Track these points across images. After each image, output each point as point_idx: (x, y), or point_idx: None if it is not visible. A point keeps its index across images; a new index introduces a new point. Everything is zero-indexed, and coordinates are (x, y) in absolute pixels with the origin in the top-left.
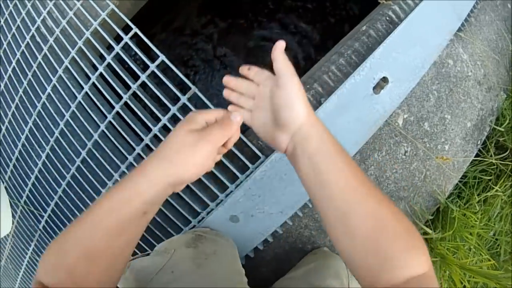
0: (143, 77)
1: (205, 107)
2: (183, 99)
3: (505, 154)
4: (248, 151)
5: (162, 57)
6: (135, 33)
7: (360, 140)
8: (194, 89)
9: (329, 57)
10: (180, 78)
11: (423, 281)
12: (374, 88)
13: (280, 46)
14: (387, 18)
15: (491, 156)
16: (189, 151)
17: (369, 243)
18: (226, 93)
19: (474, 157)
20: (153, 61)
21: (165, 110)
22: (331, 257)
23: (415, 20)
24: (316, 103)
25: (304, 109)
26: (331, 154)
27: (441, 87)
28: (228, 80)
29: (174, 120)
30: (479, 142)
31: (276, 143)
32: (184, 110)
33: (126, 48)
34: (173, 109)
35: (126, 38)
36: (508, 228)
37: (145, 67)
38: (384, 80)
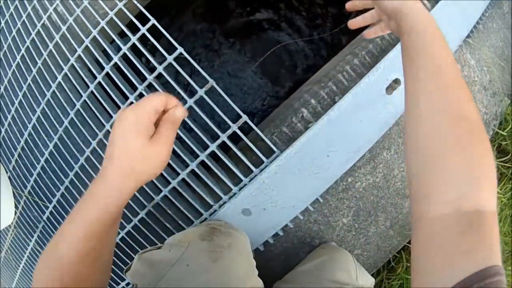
0: (159, 68)
1: (221, 99)
2: (200, 92)
3: (506, 158)
4: (262, 146)
5: (180, 49)
6: (157, 26)
7: (373, 138)
8: (212, 82)
9: (343, 57)
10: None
11: (491, 219)
12: (386, 88)
13: None
14: None
15: None
16: (155, 158)
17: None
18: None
19: None
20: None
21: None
22: (340, 251)
23: None
24: (330, 101)
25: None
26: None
27: None
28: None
29: (190, 112)
30: None
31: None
32: (200, 102)
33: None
34: (190, 102)
35: (143, 29)
36: (507, 229)
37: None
38: (396, 81)
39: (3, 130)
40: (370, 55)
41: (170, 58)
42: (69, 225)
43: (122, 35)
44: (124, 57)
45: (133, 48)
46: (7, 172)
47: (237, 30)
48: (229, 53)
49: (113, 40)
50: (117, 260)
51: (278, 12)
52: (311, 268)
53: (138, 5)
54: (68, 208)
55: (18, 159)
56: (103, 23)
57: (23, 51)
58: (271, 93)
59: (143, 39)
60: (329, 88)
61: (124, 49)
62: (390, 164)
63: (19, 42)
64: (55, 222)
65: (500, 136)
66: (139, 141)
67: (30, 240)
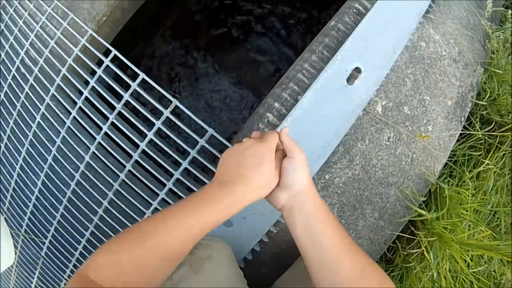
0: (126, 96)
1: (188, 118)
2: (166, 112)
3: (491, 127)
4: None
5: (142, 75)
6: (119, 56)
7: (341, 131)
8: (175, 102)
9: (301, 56)
10: (166, 92)
11: None
12: (348, 79)
13: (285, 131)
14: (354, 10)
15: (477, 131)
16: (274, 185)
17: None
18: None
19: (461, 134)
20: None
21: (150, 125)
22: None
23: (381, 8)
24: (293, 101)
25: (306, 178)
26: (323, 217)
27: (416, 70)
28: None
29: (160, 134)
30: (462, 119)
31: (274, 200)
32: (169, 123)
33: (109, 71)
34: (158, 124)
35: (106, 61)
36: (505, 200)
37: (128, 87)
38: (357, 70)
39: None
40: (328, 49)
41: (134, 85)
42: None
43: (99, 65)
44: (95, 90)
45: (115, 78)
46: (2, 214)
47: (208, 42)
48: (205, 67)
49: (92, 71)
50: None
51: (247, 21)
52: (297, 271)
53: (100, 39)
54: (63, 241)
55: (11, 200)
56: (70, 61)
57: (2, 96)
58: (256, 102)
59: (120, 68)
60: (290, 89)
61: (92, 82)
62: (367, 154)
63: None
64: (53, 257)
65: (481, 106)
66: (275, 173)
67: (33, 277)
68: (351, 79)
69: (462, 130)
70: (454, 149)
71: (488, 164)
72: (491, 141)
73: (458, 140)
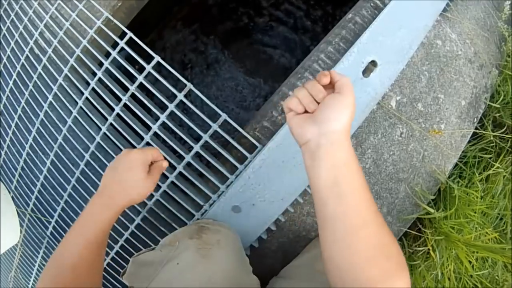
0: (140, 78)
1: (200, 105)
2: (180, 96)
3: (503, 130)
4: (246, 142)
5: (157, 58)
6: (133, 40)
7: (354, 124)
8: (189, 85)
9: (318, 47)
10: (177, 77)
11: None
12: (363, 72)
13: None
14: (372, 4)
15: (489, 133)
16: (148, 189)
17: (371, 258)
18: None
19: (473, 136)
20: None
21: (163, 108)
22: None
23: (398, 4)
24: None
25: (345, 122)
26: (355, 171)
27: (431, 67)
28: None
29: (172, 118)
30: (475, 120)
31: (301, 131)
32: (182, 107)
33: (123, 54)
34: (171, 106)
35: (121, 43)
36: None
37: (142, 69)
38: (373, 63)
39: (3, 153)
40: (345, 41)
41: (148, 67)
42: (72, 236)
43: (114, 48)
44: (108, 72)
45: (127, 59)
46: (10, 193)
47: (219, 30)
48: (215, 53)
49: (106, 53)
50: (118, 268)
51: (259, 13)
52: (304, 261)
53: (116, 22)
54: (69, 221)
55: (19, 179)
56: (84, 42)
57: (14, 76)
58: (267, 91)
59: (140, 54)
60: (306, 79)
61: (106, 63)
62: (379, 148)
63: (10, 68)
64: (58, 237)
65: (494, 109)
66: (143, 175)
67: (37, 257)
68: (366, 72)
69: (474, 131)
70: (465, 150)
71: (498, 167)
72: (502, 145)
73: (469, 142)
